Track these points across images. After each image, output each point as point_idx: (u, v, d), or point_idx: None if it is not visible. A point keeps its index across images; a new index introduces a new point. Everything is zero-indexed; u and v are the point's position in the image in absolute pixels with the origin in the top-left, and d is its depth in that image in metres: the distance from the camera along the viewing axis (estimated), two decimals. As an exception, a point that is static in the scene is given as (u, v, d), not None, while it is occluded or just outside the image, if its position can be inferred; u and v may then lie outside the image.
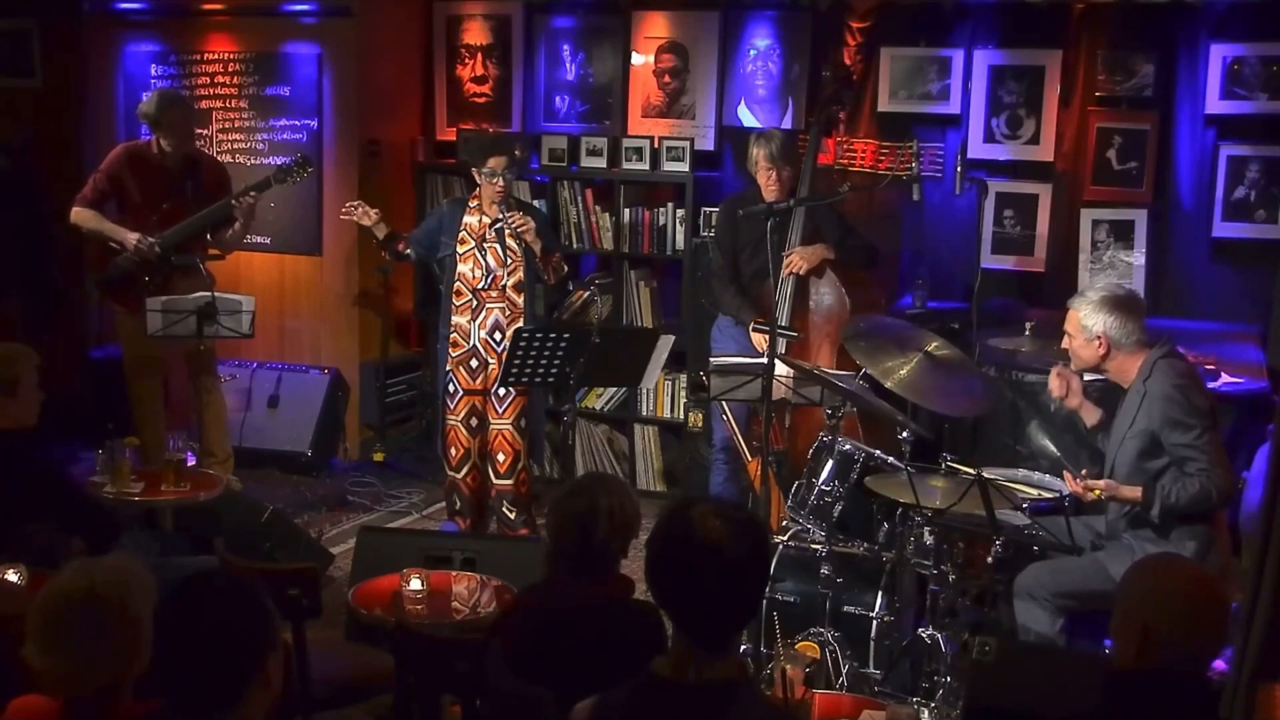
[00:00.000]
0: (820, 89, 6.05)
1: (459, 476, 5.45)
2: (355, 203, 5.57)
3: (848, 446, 4.32)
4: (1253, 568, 1.88)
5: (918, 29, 6.22)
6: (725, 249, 5.59)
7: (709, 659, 2.17)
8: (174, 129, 5.78)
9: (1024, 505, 3.87)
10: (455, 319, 5.37)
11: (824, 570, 4.11)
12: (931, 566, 4.08)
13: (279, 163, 6.14)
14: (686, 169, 6.36)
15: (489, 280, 5.34)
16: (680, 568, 2.19)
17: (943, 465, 4.02)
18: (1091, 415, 4.10)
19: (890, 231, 6.28)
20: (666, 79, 6.67)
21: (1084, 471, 4.00)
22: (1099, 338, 3.89)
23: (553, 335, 4.67)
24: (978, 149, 6.13)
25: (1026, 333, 5.36)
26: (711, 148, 6.60)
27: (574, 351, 4.65)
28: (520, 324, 5.29)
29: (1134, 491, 3.84)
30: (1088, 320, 3.91)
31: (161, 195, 5.77)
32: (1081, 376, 4.12)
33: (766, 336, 4.45)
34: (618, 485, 3.04)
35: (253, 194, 5.77)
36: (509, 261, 5.34)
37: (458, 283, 5.36)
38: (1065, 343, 4.03)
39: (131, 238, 5.65)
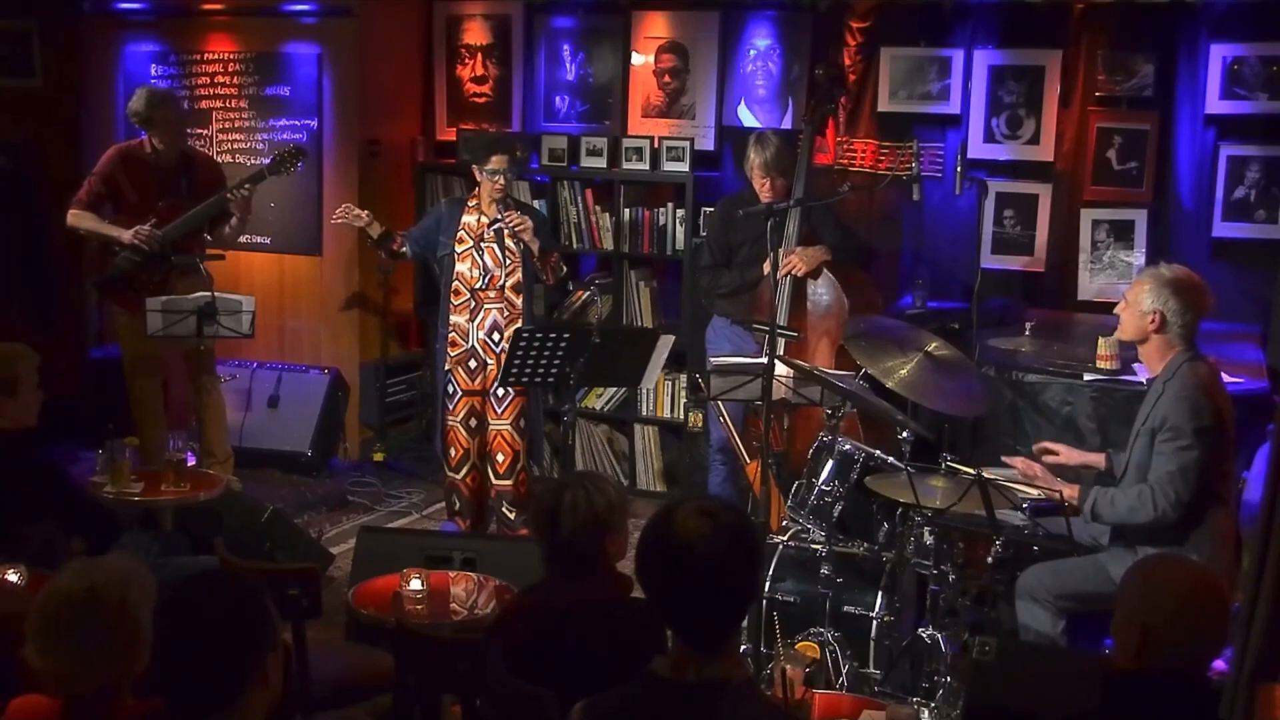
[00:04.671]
0: (814, 88, 6.05)
1: (458, 477, 5.46)
2: (345, 206, 5.60)
3: (848, 446, 4.32)
4: (1253, 568, 1.88)
5: (918, 29, 6.22)
6: (718, 245, 5.59)
7: (706, 658, 2.16)
8: (165, 126, 5.79)
9: (1024, 505, 3.87)
10: (454, 318, 5.38)
11: (824, 570, 4.11)
12: (931, 566, 4.08)
13: (277, 160, 6.14)
14: (686, 169, 6.36)
15: (486, 280, 5.34)
16: (658, 565, 2.20)
17: (943, 465, 4.02)
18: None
19: (890, 231, 6.28)
20: (666, 79, 6.67)
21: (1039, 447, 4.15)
22: (1154, 314, 3.83)
23: (553, 335, 4.67)
24: (978, 149, 6.13)
25: (1026, 333, 5.37)
26: (711, 148, 6.60)
27: (574, 351, 4.65)
28: (519, 324, 5.29)
29: (1070, 489, 3.90)
30: (1151, 294, 3.85)
31: (157, 194, 5.77)
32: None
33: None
34: (592, 481, 2.95)
35: (248, 186, 5.78)
36: (507, 262, 5.35)
37: (456, 282, 5.37)
38: (1119, 308, 4.00)
39: (128, 233, 5.65)
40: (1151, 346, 3.90)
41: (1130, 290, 3.96)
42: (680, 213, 6.34)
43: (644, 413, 6.54)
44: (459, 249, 5.36)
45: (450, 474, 5.48)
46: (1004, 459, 4.18)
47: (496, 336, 5.35)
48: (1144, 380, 4.32)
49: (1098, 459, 4.16)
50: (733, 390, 4.60)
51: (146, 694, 2.33)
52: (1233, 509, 4.06)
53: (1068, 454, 4.18)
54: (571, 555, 2.88)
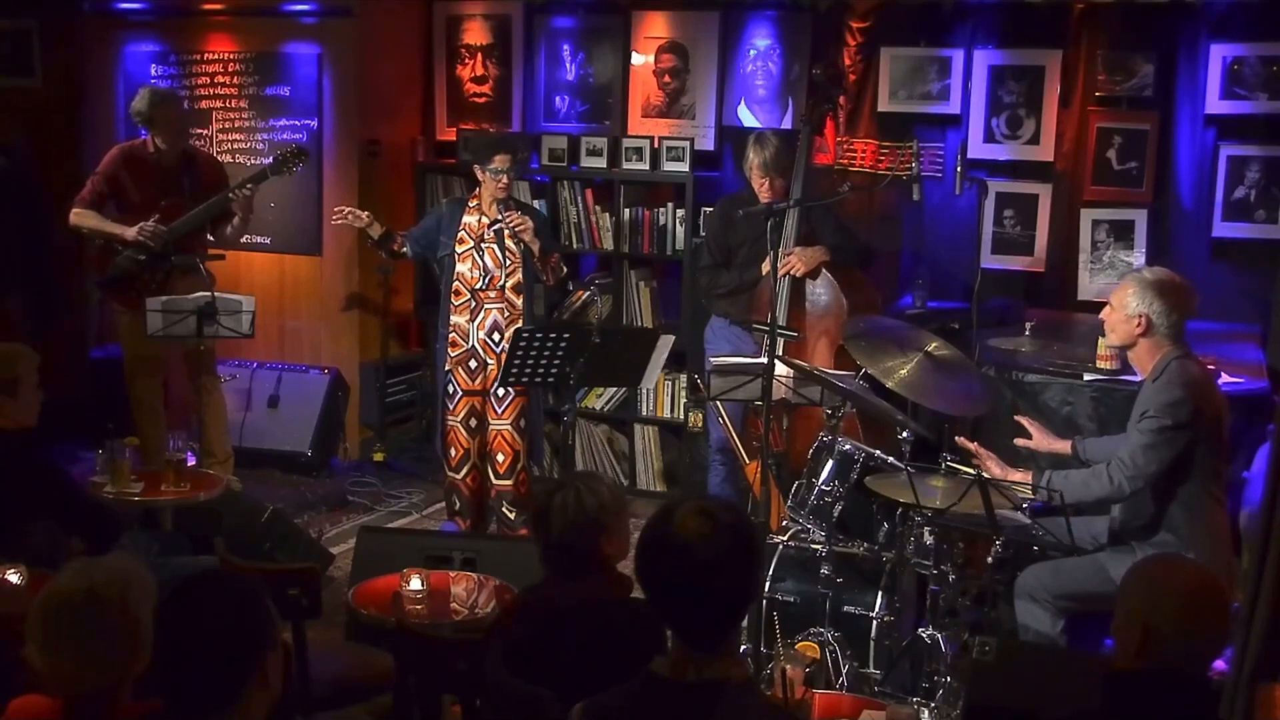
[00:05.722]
0: (813, 88, 6.05)
1: (459, 477, 5.46)
2: (340, 208, 5.60)
3: (848, 446, 4.32)
4: (1253, 568, 1.88)
5: (918, 29, 6.22)
6: (717, 245, 5.59)
7: (706, 658, 2.17)
8: (167, 125, 5.80)
9: (1024, 505, 3.87)
10: (454, 318, 5.38)
11: (824, 570, 4.11)
12: (931, 566, 4.08)
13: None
14: (686, 169, 6.36)
15: (486, 280, 5.34)
16: (656, 565, 2.21)
17: (943, 465, 4.02)
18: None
19: (890, 231, 6.28)
20: (666, 79, 6.67)
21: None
22: (1140, 317, 3.86)
23: (553, 335, 4.67)
24: (978, 149, 6.13)
25: (1026, 333, 5.37)
26: (711, 148, 6.60)
27: (574, 351, 4.65)
28: (519, 324, 5.29)
29: (1022, 474, 3.99)
30: (1135, 298, 3.87)
31: (159, 193, 5.78)
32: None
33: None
34: (585, 481, 2.93)
35: (250, 186, 5.79)
36: (508, 263, 5.35)
37: (456, 282, 5.37)
38: (1105, 313, 4.02)
39: (132, 230, 5.66)
40: (1141, 350, 3.92)
41: (1114, 295, 3.99)
42: (680, 213, 6.34)
43: (644, 413, 6.54)
44: (459, 249, 5.36)
45: (450, 474, 5.48)
46: (958, 439, 4.20)
47: (497, 336, 5.35)
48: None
49: (1064, 446, 4.21)
50: (733, 390, 4.60)
51: (146, 694, 2.33)
52: (1228, 509, 4.07)
53: (1038, 439, 4.23)
54: (565, 555, 2.88)
